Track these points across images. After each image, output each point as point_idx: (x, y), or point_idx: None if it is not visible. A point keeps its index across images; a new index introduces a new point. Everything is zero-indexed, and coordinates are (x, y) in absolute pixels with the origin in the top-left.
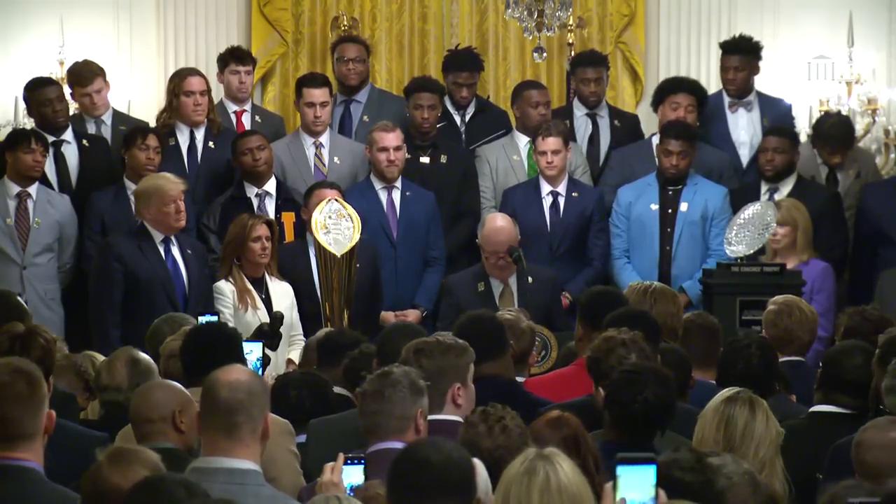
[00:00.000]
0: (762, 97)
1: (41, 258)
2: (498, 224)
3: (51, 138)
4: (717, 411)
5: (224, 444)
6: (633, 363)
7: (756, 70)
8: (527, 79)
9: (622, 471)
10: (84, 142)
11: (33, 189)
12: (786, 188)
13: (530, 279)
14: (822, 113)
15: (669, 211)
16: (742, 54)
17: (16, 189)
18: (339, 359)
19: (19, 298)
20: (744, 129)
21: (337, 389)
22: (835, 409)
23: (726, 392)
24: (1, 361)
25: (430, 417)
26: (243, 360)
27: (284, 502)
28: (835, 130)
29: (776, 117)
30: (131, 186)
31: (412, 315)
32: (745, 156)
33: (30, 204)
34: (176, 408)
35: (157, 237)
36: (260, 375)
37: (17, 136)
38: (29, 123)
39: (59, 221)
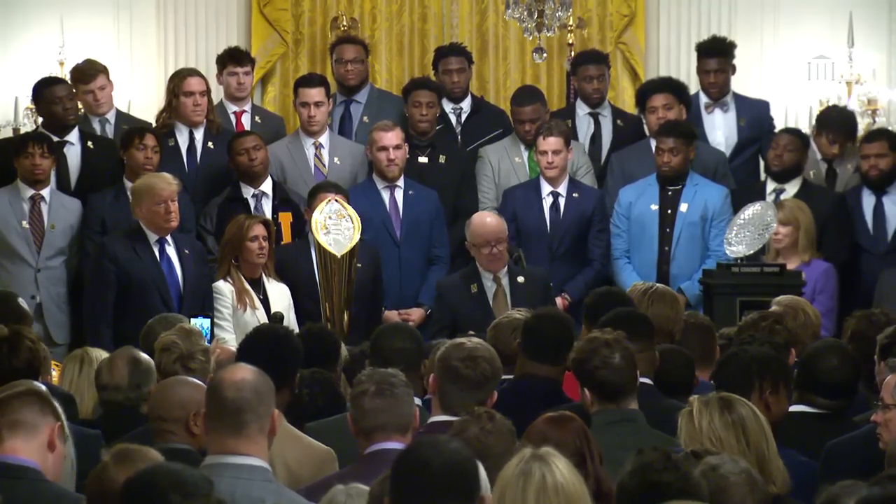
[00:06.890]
0: (738, 98)
1: (54, 261)
2: (486, 219)
3: (54, 139)
4: (726, 421)
5: (232, 443)
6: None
7: (734, 69)
8: (526, 80)
9: None
10: (89, 143)
11: (46, 192)
12: (792, 189)
13: (521, 278)
14: (828, 105)
15: (669, 211)
16: (720, 56)
17: (29, 192)
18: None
19: (21, 301)
20: (720, 129)
21: None
22: (812, 410)
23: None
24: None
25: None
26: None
27: (291, 496)
28: (839, 119)
29: (753, 117)
30: (131, 187)
31: (416, 314)
32: None
33: (43, 207)
34: (193, 410)
35: (152, 237)
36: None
37: (18, 141)
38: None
39: (73, 225)
